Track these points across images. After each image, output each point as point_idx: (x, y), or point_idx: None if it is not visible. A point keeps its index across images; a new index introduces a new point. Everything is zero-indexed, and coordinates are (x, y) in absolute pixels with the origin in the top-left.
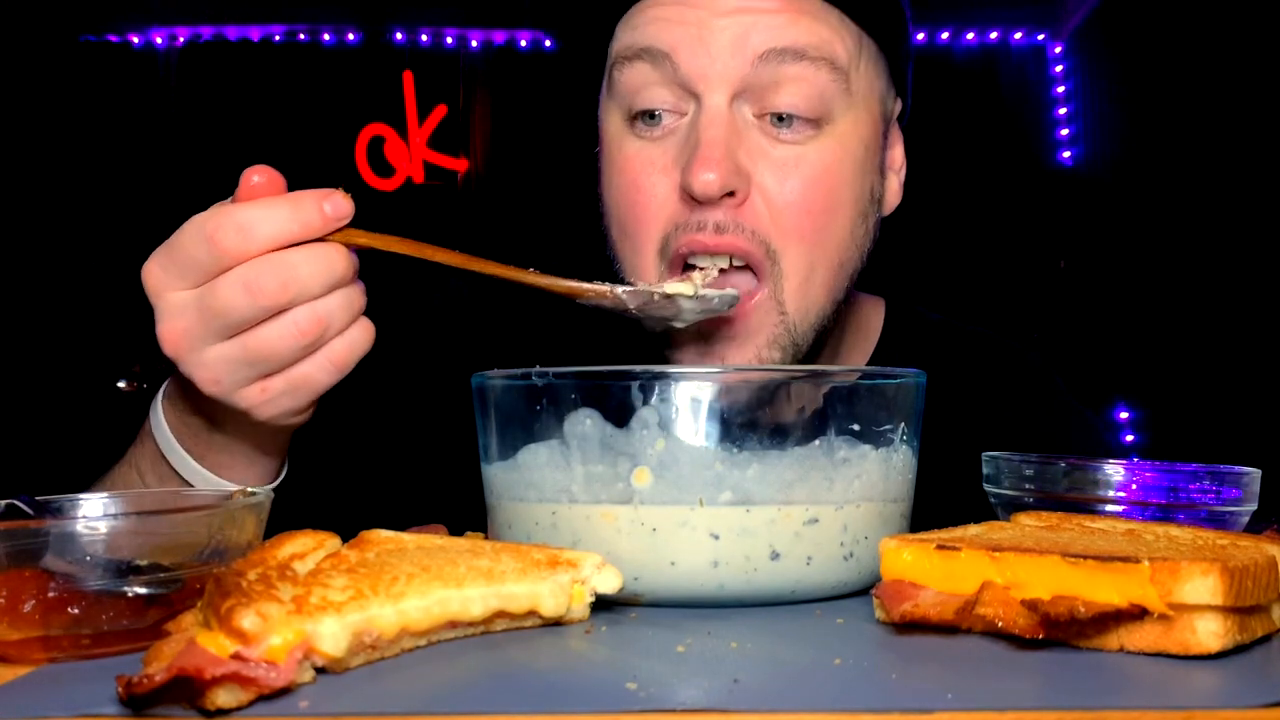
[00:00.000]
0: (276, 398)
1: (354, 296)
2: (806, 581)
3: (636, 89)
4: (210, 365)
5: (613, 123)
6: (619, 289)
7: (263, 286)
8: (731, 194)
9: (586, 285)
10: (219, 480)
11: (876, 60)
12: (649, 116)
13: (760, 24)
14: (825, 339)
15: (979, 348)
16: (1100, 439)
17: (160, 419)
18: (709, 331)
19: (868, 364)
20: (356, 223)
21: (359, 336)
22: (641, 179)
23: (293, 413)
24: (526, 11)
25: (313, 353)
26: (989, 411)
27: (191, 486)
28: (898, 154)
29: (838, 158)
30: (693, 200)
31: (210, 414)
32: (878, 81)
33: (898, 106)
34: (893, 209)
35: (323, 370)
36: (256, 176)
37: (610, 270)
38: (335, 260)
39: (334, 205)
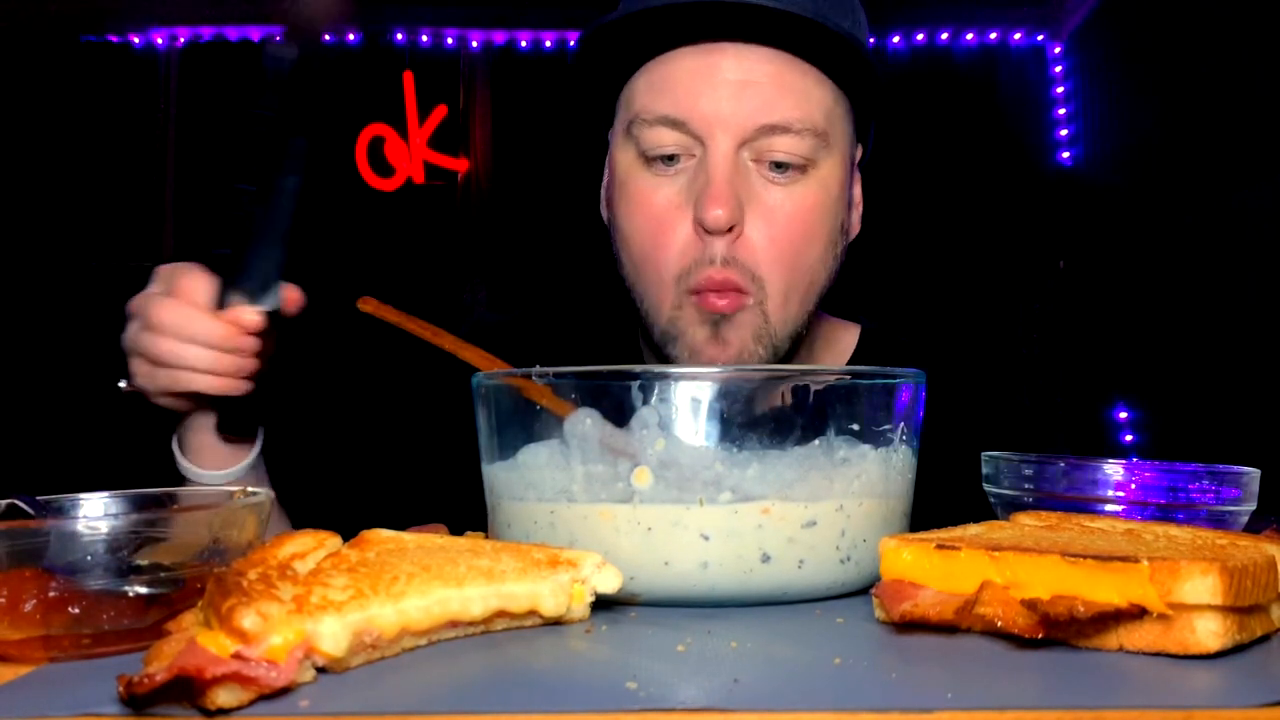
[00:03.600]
0: (146, 376)
1: (214, 359)
2: (799, 583)
3: (653, 143)
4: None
5: (626, 158)
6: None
7: (160, 320)
8: (732, 228)
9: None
10: (198, 469)
11: (848, 113)
12: (667, 160)
13: (758, 97)
14: (797, 351)
15: (948, 359)
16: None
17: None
18: (718, 318)
19: None
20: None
21: (206, 381)
22: (662, 215)
23: (159, 392)
24: (526, 12)
25: (171, 367)
26: (955, 415)
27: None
28: (858, 191)
29: (818, 199)
30: (703, 231)
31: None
32: (848, 130)
33: (859, 151)
34: (854, 237)
35: (167, 377)
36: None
37: (620, 286)
38: (207, 333)
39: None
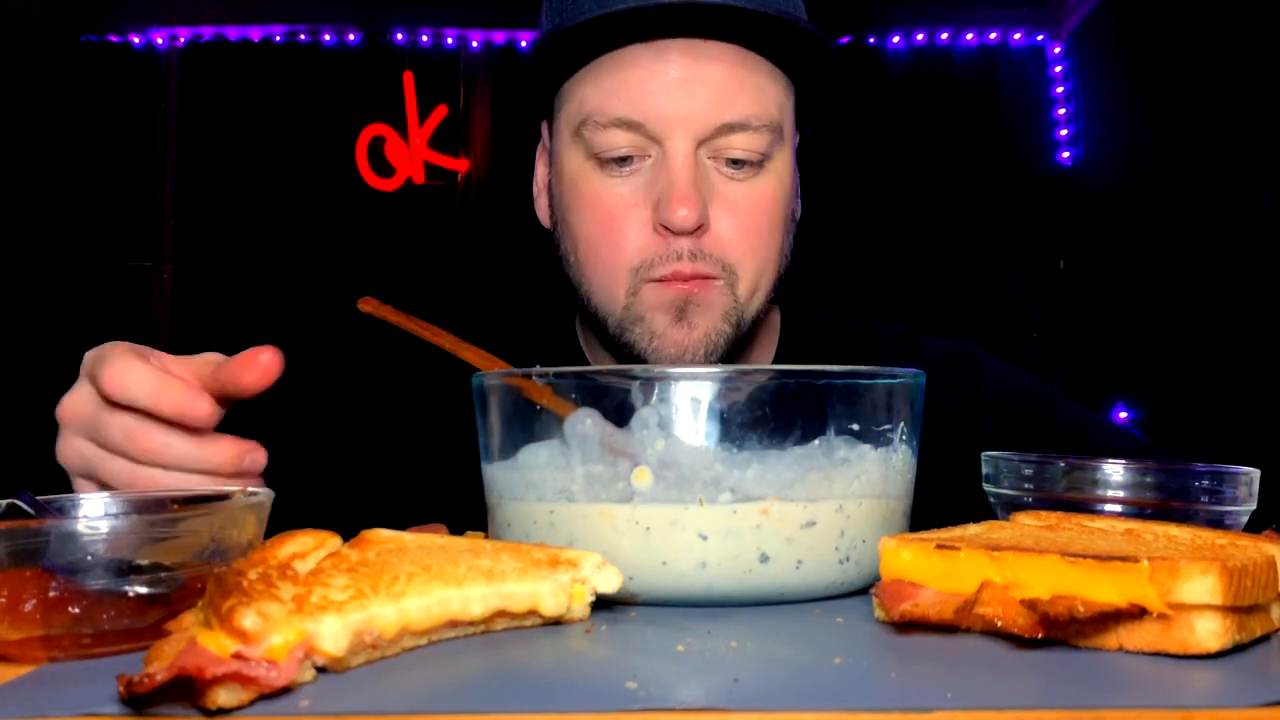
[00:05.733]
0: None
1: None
2: (798, 583)
3: (607, 145)
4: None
5: (575, 159)
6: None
7: (136, 440)
8: (699, 226)
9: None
10: None
11: (794, 101)
12: (620, 161)
13: (716, 93)
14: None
15: (863, 338)
16: None
17: None
18: (683, 303)
19: (773, 360)
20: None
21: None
22: (616, 213)
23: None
24: (526, 12)
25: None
26: None
27: None
28: (796, 174)
29: (775, 190)
30: (666, 232)
31: None
32: (793, 119)
33: (797, 137)
34: (798, 219)
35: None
36: (263, 356)
37: (567, 287)
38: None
39: (254, 460)
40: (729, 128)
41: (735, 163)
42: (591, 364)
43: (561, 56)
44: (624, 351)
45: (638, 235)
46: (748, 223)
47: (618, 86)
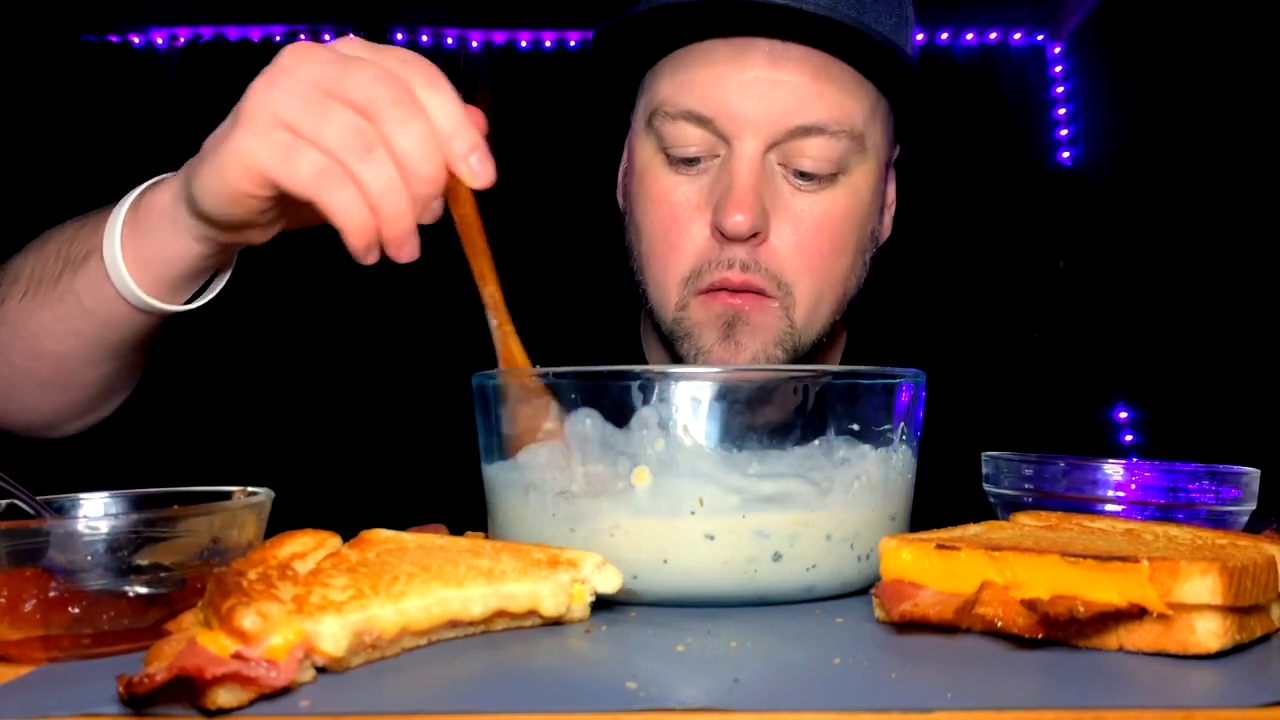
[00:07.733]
0: (283, 151)
1: (428, 171)
2: (798, 583)
3: (676, 139)
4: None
5: (646, 150)
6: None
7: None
8: (755, 234)
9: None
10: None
11: (886, 114)
12: (689, 161)
13: (792, 96)
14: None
15: (937, 355)
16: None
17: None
18: (730, 319)
19: None
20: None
21: (394, 201)
22: (679, 212)
23: (262, 189)
24: (526, 12)
25: (351, 157)
26: (949, 412)
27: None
28: (891, 192)
29: (848, 206)
30: (722, 237)
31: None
32: (886, 132)
33: (895, 151)
34: (884, 240)
35: (329, 176)
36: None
37: (630, 275)
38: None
39: (480, 164)
40: (804, 130)
41: (803, 175)
42: (650, 363)
43: (637, 43)
44: (676, 360)
45: (695, 239)
46: (810, 239)
47: (692, 79)
